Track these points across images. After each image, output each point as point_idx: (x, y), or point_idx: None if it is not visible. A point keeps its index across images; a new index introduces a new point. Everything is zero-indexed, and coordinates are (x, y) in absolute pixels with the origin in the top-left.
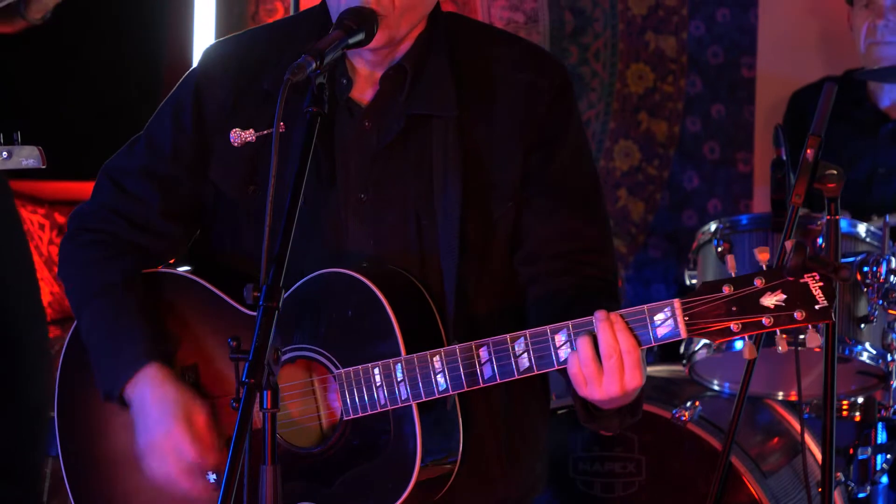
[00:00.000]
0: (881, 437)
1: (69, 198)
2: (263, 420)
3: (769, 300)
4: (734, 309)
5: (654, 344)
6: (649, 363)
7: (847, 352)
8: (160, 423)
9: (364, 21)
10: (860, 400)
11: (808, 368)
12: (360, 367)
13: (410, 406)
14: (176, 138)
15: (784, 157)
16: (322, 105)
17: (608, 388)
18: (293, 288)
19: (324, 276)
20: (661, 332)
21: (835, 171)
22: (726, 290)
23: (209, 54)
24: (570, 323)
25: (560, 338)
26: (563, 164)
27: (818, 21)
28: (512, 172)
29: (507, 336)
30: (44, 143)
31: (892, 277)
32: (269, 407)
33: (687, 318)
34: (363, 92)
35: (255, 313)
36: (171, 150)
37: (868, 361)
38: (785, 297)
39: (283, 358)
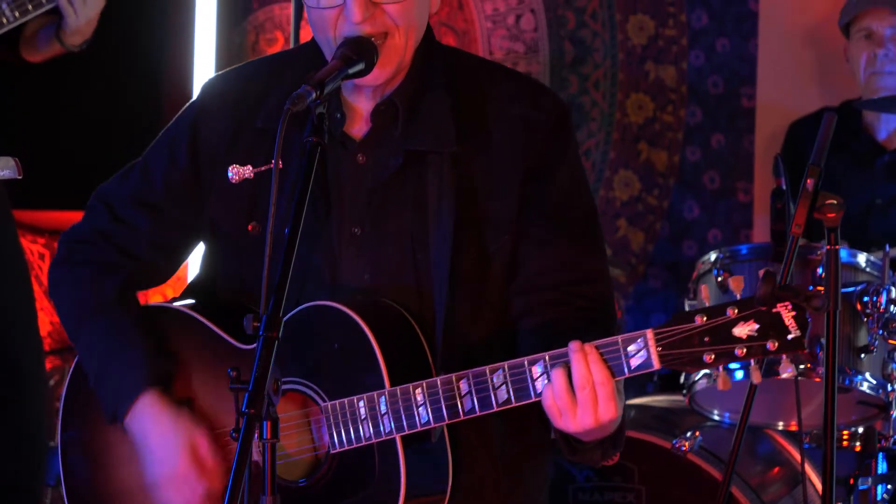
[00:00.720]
0: (882, 467)
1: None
2: (263, 450)
3: (742, 330)
4: (707, 339)
5: (627, 375)
6: (649, 393)
7: (847, 382)
8: (167, 459)
9: (363, 51)
10: (860, 430)
11: (808, 398)
12: (345, 400)
13: (395, 439)
14: (169, 170)
15: (784, 187)
16: (322, 135)
17: (582, 420)
18: (283, 320)
19: (312, 309)
20: (633, 362)
21: (835, 201)
22: (699, 320)
23: (208, 89)
24: (546, 354)
25: (537, 369)
26: (558, 196)
27: (817, 51)
28: (508, 206)
29: (487, 368)
30: (44, 172)
31: (892, 307)
32: (268, 437)
33: (660, 349)
34: (356, 126)
35: (248, 347)
36: (163, 181)
37: (868, 391)
38: (757, 326)
39: None
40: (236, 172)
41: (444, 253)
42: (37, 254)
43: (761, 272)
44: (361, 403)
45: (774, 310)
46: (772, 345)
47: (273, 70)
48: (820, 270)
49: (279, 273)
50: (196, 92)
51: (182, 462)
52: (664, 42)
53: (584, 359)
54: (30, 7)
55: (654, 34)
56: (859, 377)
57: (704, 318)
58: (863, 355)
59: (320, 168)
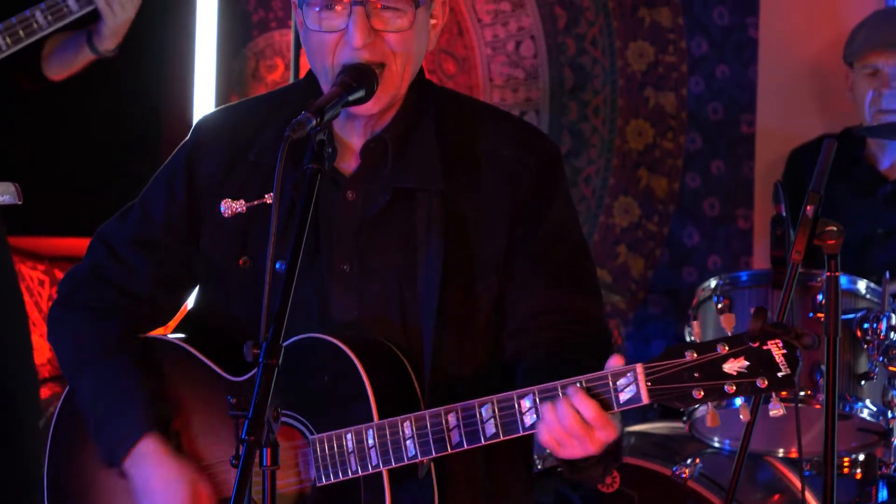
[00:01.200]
0: (882, 494)
1: (69, 254)
2: (263, 477)
3: (732, 367)
4: (697, 375)
5: (616, 410)
6: (649, 419)
7: (847, 409)
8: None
9: (363, 78)
10: (861, 457)
11: (808, 425)
12: (333, 433)
13: (381, 473)
14: (168, 208)
15: (784, 214)
16: (322, 162)
17: (584, 449)
18: None
19: (303, 342)
20: (623, 397)
21: (834, 228)
22: (689, 355)
23: (201, 125)
24: (535, 388)
25: (525, 403)
26: (547, 239)
27: (817, 78)
28: (496, 246)
29: (476, 401)
30: (43, 199)
31: (892, 334)
32: (268, 464)
33: (649, 384)
34: (347, 162)
35: (241, 378)
36: (163, 220)
37: (869, 418)
38: (748, 363)
39: None
40: (228, 206)
41: (432, 290)
42: (37, 280)
43: (752, 309)
44: (349, 436)
45: (765, 347)
46: (762, 382)
47: (268, 106)
48: (820, 297)
49: (278, 301)
50: (196, 118)
51: None
52: (664, 69)
53: (567, 403)
54: (65, 11)
55: (653, 61)
56: (860, 404)
57: (695, 354)
58: (863, 382)
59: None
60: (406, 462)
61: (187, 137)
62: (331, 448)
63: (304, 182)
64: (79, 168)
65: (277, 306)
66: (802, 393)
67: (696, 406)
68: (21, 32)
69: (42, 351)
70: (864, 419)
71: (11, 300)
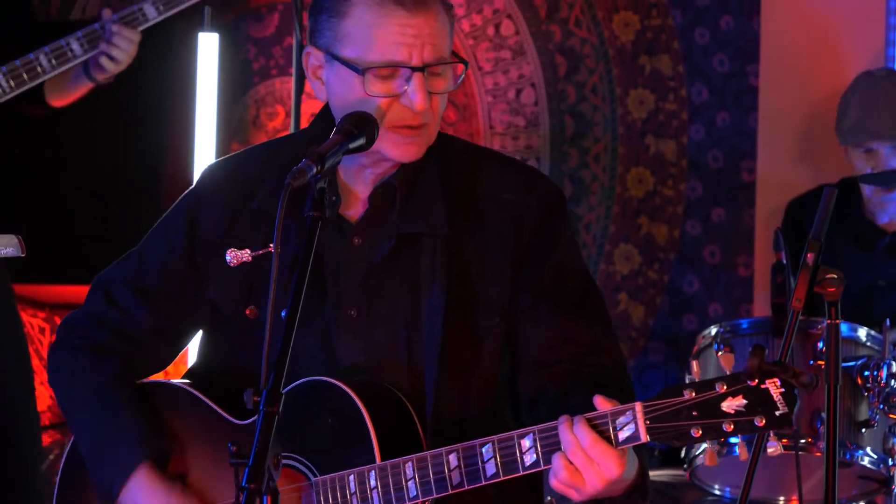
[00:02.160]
0: None
1: (69, 301)
2: None
3: (730, 405)
4: (695, 413)
5: (616, 448)
6: (650, 466)
7: (848, 456)
8: None
9: (365, 125)
10: None
11: (808, 473)
12: (335, 474)
13: None
14: (167, 258)
15: (784, 261)
16: (323, 210)
17: (592, 485)
18: None
19: (307, 385)
20: (622, 435)
21: (835, 276)
22: (688, 394)
23: (205, 176)
24: (536, 427)
25: (526, 443)
26: (552, 278)
27: (818, 126)
28: (499, 290)
29: (477, 441)
30: (44, 248)
31: (892, 382)
32: None
33: (648, 422)
34: (352, 208)
35: (245, 422)
36: (160, 269)
37: (869, 466)
38: (746, 402)
39: None
40: (234, 256)
41: (436, 333)
42: (37, 328)
43: (751, 348)
44: (352, 478)
45: (763, 385)
46: (759, 421)
47: (270, 155)
48: (820, 344)
49: (279, 349)
50: (196, 166)
51: None
52: (664, 116)
53: (568, 428)
54: (69, 55)
55: (654, 108)
56: (860, 452)
57: (693, 393)
58: (863, 430)
59: (316, 249)
60: (408, 503)
61: (190, 188)
62: (333, 490)
63: (305, 230)
64: (79, 216)
65: (278, 353)
66: (803, 440)
67: (695, 447)
68: (25, 75)
69: (43, 398)
70: (864, 467)
71: (16, 346)
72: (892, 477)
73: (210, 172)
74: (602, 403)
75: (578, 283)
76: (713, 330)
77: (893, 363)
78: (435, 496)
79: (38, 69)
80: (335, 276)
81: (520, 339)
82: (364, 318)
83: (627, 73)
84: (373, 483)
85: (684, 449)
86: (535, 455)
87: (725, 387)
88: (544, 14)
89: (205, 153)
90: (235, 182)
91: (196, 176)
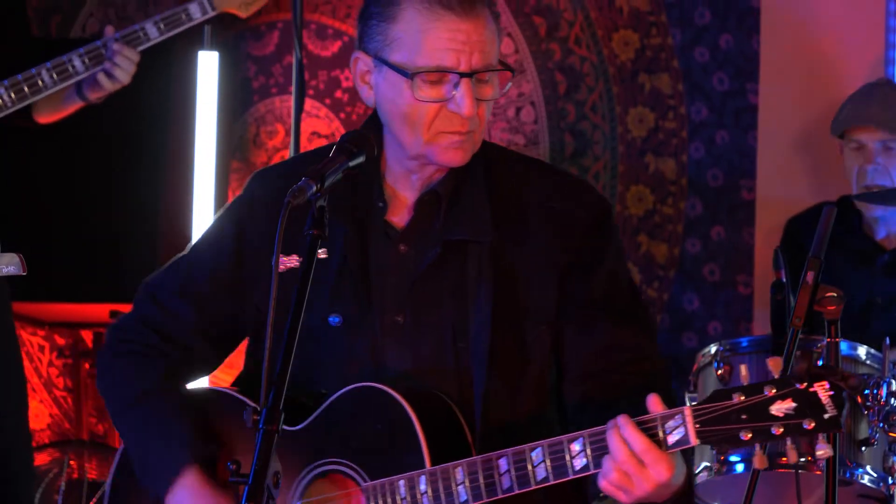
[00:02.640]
0: None
1: (69, 320)
2: None
3: (779, 409)
4: (744, 417)
5: (666, 452)
6: None
7: (848, 475)
8: None
9: (365, 144)
10: None
11: (808, 491)
12: (385, 479)
13: None
14: (215, 263)
15: (784, 280)
16: (322, 228)
17: (641, 488)
18: (326, 403)
19: (355, 391)
20: (671, 439)
21: (834, 294)
22: (737, 398)
23: (253, 181)
24: (586, 431)
25: (576, 447)
26: (600, 287)
27: (818, 144)
28: (545, 298)
29: (527, 446)
30: (44, 266)
31: (892, 400)
32: None
33: (698, 426)
34: (398, 215)
35: (296, 428)
36: (208, 274)
37: (869, 484)
38: (795, 405)
39: (316, 472)
40: (282, 262)
41: (483, 340)
42: (36, 346)
43: (770, 361)
44: (402, 483)
45: (812, 389)
46: (808, 424)
47: (319, 160)
48: (820, 363)
49: (279, 366)
50: (195, 184)
51: None
52: (664, 134)
53: (617, 434)
54: (70, 71)
55: (654, 126)
56: (860, 470)
57: (742, 396)
58: (863, 448)
59: (362, 257)
60: None
61: (240, 194)
62: (383, 495)
63: (305, 248)
64: (78, 236)
65: (283, 366)
66: (803, 459)
67: (703, 465)
68: (26, 89)
69: (42, 416)
70: (864, 485)
71: (12, 365)
72: (893, 495)
73: (260, 178)
74: (655, 404)
75: (625, 292)
76: (713, 348)
77: (893, 381)
78: (485, 500)
79: (40, 83)
80: (381, 283)
81: (566, 347)
82: (410, 326)
83: (627, 91)
84: (423, 488)
85: None
86: (585, 459)
87: (774, 390)
88: (544, 32)
89: (204, 171)
90: (285, 188)
91: (195, 195)
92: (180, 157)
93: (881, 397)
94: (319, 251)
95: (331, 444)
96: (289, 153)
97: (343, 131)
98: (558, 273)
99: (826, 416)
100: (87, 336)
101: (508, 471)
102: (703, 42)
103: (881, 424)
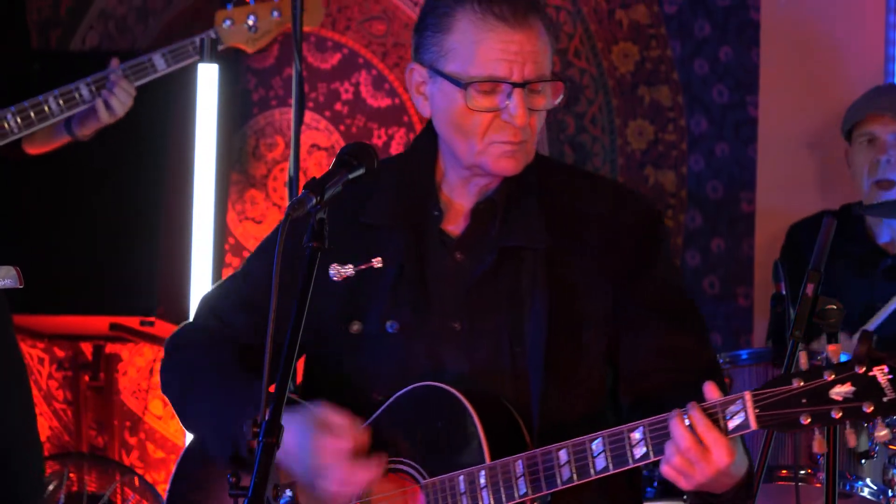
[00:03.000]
0: None
1: (68, 332)
2: None
3: (838, 392)
4: (804, 401)
5: (727, 436)
6: (649, 499)
7: (848, 487)
8: (302, 449)
9: (364, 156)
10: None
11: None
12: (445, 476)
13: None
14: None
15: (784, 292)
16: (322, 240)
17: (702, 472)
18: (385, 404)
19: (414, 391)
20: (731, 424)
21: (834, 306)
22: (796, 383)
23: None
24: (645, 421)
25: (636, 436)
26: (654, 292)
27: (816, 156)
28: (599, 305)
29: (586, 437)
30: (44, 279)
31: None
32: None
33: (758, 411)
34: (454, 223)
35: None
36: (264, 282)
37: (869, 497)
38: (854, 389)
39: None
40: (337, 271)
41: (539, 345)
42: (36, 358)
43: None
44: (461, 478)
45: (871, 373)
46: (868, 407)
47: (382, 170)
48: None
49: (279, 379)
50: (196, 195)
51: (318, 439)
52: (664, 147)
53: (680, 419)
54: (77, 99)
55: (653, 139)
56: (860, 483)
57: (801, 382)
58: (863, 461)
59: (418, 265)
60: (517, 500)
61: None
62: (443, 491)
63: (305, 260)
64: (78, 250)
65: (283, 379)
66: (803, 472)
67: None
68: (33, 116)
69: (42, 429)
70: (864, 498)
71: (17, 378)
72: None
73: None
74: (712, 391)
75: (676, 296)
76: None
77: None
78: (545, 492)
79: (47, 111)
80: (438, 290)
81: (620, 350)
82: (467, 331)
83: (627, 103)
84: (482, 482)
85: None
86: (644, 447)
87: (833, 375)
88: None
89: (204, 183)
90: (344, 195)
91: (195, 206)
92: (180, 170)
93: None
94: (373, 260)
95: (390, 445)
96: (288, 166)
97: (343, 143)
98: (610, 279)
99: (885, 399)
100: (87, 348)
101: (568, 462)
102: (702, 54)
103: None
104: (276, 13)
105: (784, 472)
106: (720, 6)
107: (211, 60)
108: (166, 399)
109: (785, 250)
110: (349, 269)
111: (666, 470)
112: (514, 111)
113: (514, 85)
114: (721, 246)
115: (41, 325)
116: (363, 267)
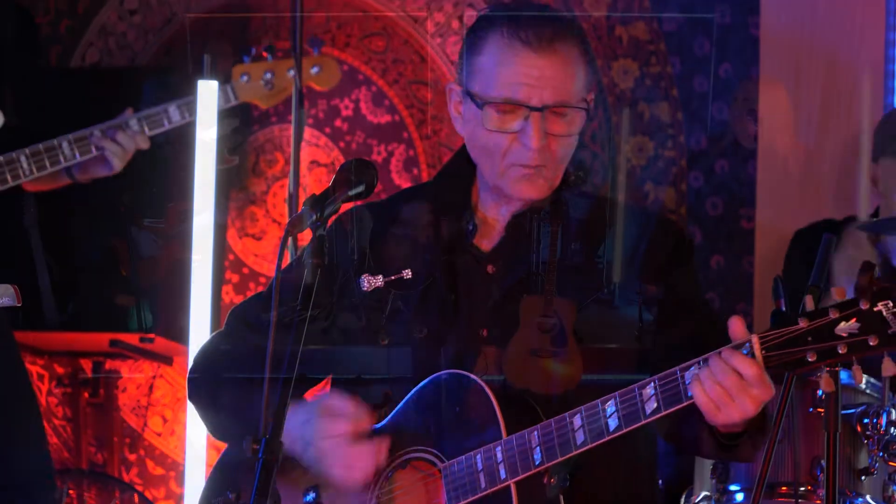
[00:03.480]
0: None
1: (68, 349)
2: None
3: (844, 329)
4: (810, 339)
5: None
6: None
7: None
8: (306, 435)
9: (364, 173)
10: None
11: None
12: (462, 456)
13: (509, 488)
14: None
15: (783, 309)
16: (322, 257)
17: (741, 408)
18: (406, 398)
19: (432, 381)
20: None
21: None
22: (802, 323)
23: (345, 211)
24: (656, 377)
25: (647, 391)
26: (676, 296)
27: (816, 172)
28: (630, 315)
29: (600, 400)
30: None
31: (892, 429)
32: None
33: (765, 352)
34: (487, 237)
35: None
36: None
37: None
38: (859, 324)
39: (396, 462)
40: (368, 282)
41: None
42: (36, 375)
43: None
44: (479, 457)
45: (876, 308)
46: (873, 340)
47: (416, 191)
48: (820, 392)
49: (279, 395)
50: (196, 211)
51: (320, 423)
52: (663, 163)
53: (718, 356)
54: (90, 146)
55: (653, 155)
56: (860, 499)
57: (807, 321)
58: (863, 477)
59: (450, 276)
60: (533, 470)
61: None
62: (461, 470)
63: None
64: (78, 267)
65: (283, 396)
66: (803, 488)
67: (704, 493)
68: (46, 161)
69: None
70: None
71: (25, 394)
72: None
73: (352, 208)
74: (738, 326)
75: (699, 305)
76: None
77: (893, 410)
78: (560, 458)
79: (60, 156)
80: (469, 300)
81: (649, 351)
82: (496, 338)
83: (626, 120)
84: (499, 458)
85: (684, 497)
86: (655, 402)
87: (838, 312)
88: None
89: (204, 199)
90: (377, 215)
91: (194, 223)
92: (180, 185)
93: (881, 426)
94: (404, 272)
95: (410, 435)
96: (288, 182)
97: (342, 160)
98: (640, 294)
99: (890, 331)
100: (87, 365)
101: (582, 426)
102: (702, 71)
103: (881, 454)
104: (291, 72)
105: (784, 488)
106: (719, 23)
107: (211, 77)
108: (166, 416)
109: (789, 254)
110: (379, 280)
111: (703, 400)
112: (528, 134)
113: (532, 109)
114: (721, 262)
115: (41, 341)
116: (392, 278)
